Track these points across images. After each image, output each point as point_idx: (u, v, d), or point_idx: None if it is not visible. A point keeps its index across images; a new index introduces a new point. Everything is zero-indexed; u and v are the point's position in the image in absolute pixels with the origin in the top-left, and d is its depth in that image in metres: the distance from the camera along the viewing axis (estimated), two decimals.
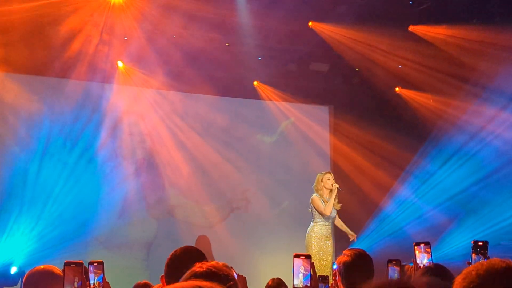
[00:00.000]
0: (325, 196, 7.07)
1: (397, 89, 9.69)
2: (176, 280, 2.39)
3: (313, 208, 7.05)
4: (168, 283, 2.56)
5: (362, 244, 8.79)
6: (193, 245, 8.24)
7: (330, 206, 6.96)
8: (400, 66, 9.35)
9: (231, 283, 1.82)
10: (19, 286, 7.32)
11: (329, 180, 7.07)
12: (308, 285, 3.03)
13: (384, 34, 8.16)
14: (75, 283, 2.52)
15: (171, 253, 2.65)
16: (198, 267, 1.86)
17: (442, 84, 8.82)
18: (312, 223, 7.06)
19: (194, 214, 8.82)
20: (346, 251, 3.47)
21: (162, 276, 2.64)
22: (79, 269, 2.54)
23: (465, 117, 8.55)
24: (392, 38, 8.36)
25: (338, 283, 3.45)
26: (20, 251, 7.63)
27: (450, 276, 2.92)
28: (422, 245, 3.61)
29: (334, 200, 7.05)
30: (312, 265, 3.07)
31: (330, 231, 7.08)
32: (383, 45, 8.56)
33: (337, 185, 7.06)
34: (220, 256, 8.01)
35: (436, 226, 8.73)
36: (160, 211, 8.72)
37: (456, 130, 8.67)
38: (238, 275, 3.58)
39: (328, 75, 9.43)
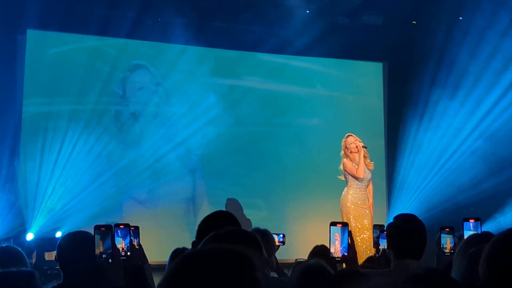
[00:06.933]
0: (357, 159, 6.83)
1: None
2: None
3: (346, 173, 6.82)
4: None
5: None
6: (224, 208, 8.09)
7: (362, 168, 6.74)
8: (460, 18, 8.70)
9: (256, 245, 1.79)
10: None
11: (351, 144, 6.84)
12: (346, 254, 2.86)
13: None
14: (101, 246, 2.56)
15: (202, 219, 2.59)
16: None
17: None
18: (346, 188, 6.84)
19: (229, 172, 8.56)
20: (395, 217, 3.23)
21: (193, 243, 2.55)
22: (109, 232, 2.57)
23: None
24: None
25: (387, 250, 3.23)
26: (59, 214, 7.64)
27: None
28: (471, 221, 3.39)
29: (366, 160, 6.81)
30: (349, 233, 2.88)
31: (366, 195, 6.82)
32: None
33: (361, 144, 6.81)
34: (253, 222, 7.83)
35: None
36: (198, 168, 8.52)
37: None
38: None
39: (382, 29, 8.81)
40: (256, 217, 8.13)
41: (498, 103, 8.38)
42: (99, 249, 2.54)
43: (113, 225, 2.65)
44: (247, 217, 8.18)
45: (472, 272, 2.53)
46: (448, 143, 8.73)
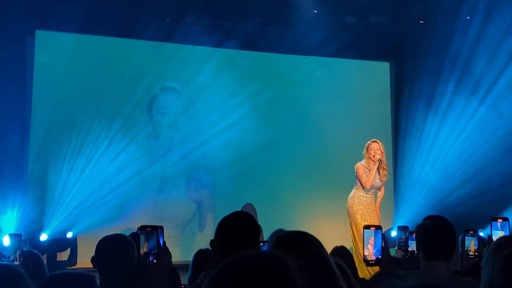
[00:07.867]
0: (371, 166, 6.76)
1: None
2: (227, 247, 2.42)
3: (356, 176, 6.79)
4: (220, 250, 2.47)
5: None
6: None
7: (370, 180, 6.66)
8: (468, 18, 8.71)
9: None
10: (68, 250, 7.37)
11: (372, 151, 6.74)
12: (380, 257, 2.90)
13: None
14: (145, 247, 2.56)
15: (221, 219, 2.54)
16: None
17: None
18: (354, 190, 6.81)
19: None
20: (425, 218, 3.21)
21: (211, 242, 2.51)
22: (155, 233, 2.56)
23: None
24: None
25: (417, 251, 3.24)
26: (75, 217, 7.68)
27: None
28: (499, 221, 3.39)
29: (381, 171, 6.74)
30: (383, 236, 2.93)
31: (373, 199, 6.81)
32: None
33: (378, 157, 6.69)
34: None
35: None
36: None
37: None
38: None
39: (389, 28, 8.83)
40: (269, 218, 8.07)
41: (506, 98, 8.41)
42: (143, 249, 2.52)
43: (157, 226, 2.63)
44: (261, 219, 8.18)
45: (509, 273, 2.56)
46: (457, 141, 8.74)
